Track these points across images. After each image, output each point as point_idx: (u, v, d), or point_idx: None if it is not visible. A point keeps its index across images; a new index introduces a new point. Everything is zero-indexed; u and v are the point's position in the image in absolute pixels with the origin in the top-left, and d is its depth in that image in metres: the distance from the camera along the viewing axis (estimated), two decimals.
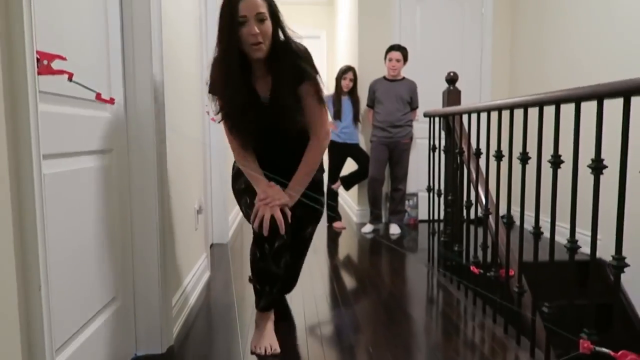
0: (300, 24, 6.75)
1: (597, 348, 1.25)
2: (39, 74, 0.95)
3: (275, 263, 1.76)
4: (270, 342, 1.83)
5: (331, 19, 6.78)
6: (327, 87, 5.94)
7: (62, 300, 1.22)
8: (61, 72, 0.99)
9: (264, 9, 1.63)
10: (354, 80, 4.21)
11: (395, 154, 4.09)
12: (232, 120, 1.78)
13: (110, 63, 1.51)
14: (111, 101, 1.27)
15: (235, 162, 1.94)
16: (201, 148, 2.75)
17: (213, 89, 1.76)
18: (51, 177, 1.14)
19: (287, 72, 1.73)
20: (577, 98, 1.46)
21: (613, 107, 1.35)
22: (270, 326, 1.88)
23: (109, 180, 1.53)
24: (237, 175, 1.97)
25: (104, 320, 1.51)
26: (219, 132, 3.41)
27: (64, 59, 1.02)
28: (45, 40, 1.07)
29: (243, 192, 1.91)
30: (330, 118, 4.38)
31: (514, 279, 2.02)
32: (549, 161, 1.61)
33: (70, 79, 1.00)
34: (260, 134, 1.82)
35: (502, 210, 2.65)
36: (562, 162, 1.59)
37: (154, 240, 1.74)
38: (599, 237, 1.44)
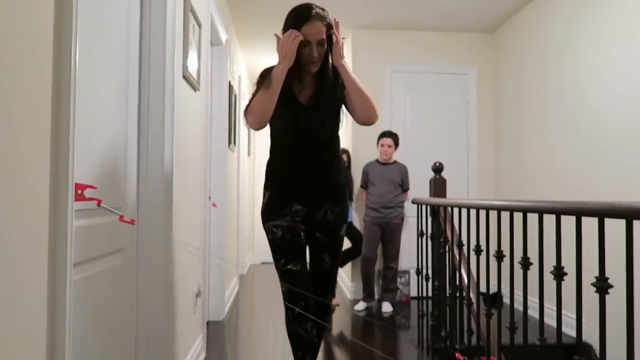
0: None
1: None
2: (75, 200, 1.14)
3: (300, 326, 1.91)
4: None
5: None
6: None
7: None
8: (92, 199, 1.18)
9: (324, 34, 1.82)
10: (348, 162, 4.47)
11: (387, 233, 4.26)
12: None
13: (127, 176, 1.72)
14: (132, 222, 1.45)
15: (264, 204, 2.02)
16: (202, 229, 2.92)
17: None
18: (77, 282, 1.30)
19: (333, 86, 1.94)
20: (540, 210, 1.65)
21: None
22: None
23: (120, 276, 1.68)
24: (268, 213, 2.00)
25: None
26: (218, 215, 3.60)
27: (94, 187, 1.21)
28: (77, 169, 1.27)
29: (275, 248, 1.99)
30: None
31: None
32: (519, 262, 1.79)
33: (99, 205, 1.19)
34: (295, 136, 1.95)
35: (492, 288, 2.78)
36: (531, 263, 1.76)
37: (156, 330, 1.87)
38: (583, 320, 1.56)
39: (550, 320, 1.89)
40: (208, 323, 3.60)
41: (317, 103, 1.92)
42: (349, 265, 4.73)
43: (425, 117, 4.77)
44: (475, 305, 2.33)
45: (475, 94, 4.77)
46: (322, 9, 1.85)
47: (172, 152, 1.93)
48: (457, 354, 2.42)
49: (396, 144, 4.28)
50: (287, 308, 1.93)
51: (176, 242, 2.03)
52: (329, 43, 1.86)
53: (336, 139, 2.04)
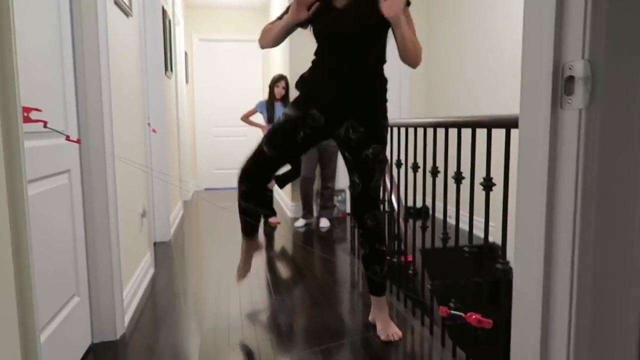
0: (234, 29, 7.01)
1: (452, 311, 1.70)
2: (24, 122, 1.25)
3: (245, 203, 2.08)
4: (244, 266, 2.30)
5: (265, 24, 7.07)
6: (264, 90, 6.23)
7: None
8: (38, 121, 1.28)
9: None
10: (286, 88, 4.58)
11: (325, 156, 4.51)
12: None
13: (66, 99, 1.79)
14: (78, 141, 1.56)
15: None
16: (143, 154, 3.02)
17: None
18: (31, 197, 1.43)
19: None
20: (445, 125, 1.91)
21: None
22: (247, 253, 2.31)
23: (69, 195, 1.81)
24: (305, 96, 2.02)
25: (67, 313, 1.80)
26: (159, 139, 3.68)
27: (40, 110, 1.31)
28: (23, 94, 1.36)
29: (271, 130, 2.03)
30: (264, 123, 4.73)
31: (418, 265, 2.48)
32: (429, 171, 2.07)
33: (45, 126, 1.29)
34: (327, 43, 1.94)
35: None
36: (439, 172, 2.04)
37: (105, 243, 2.04)
38: (492, 224, 1.84)
39: (464, 225, 2.18)
40: (155, 244, 3.78)
41: (351, 6, 1.86)
42: (289, 186, 5.00)
43: None
44: (396, 212, 2.65)
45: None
46: None
47: (109, 76, 2.00)
48: None
49: None
50: (239, 183, 2.04)
51: (118, 159, 2.15)
52: None
53: (377, 59, 1.94)
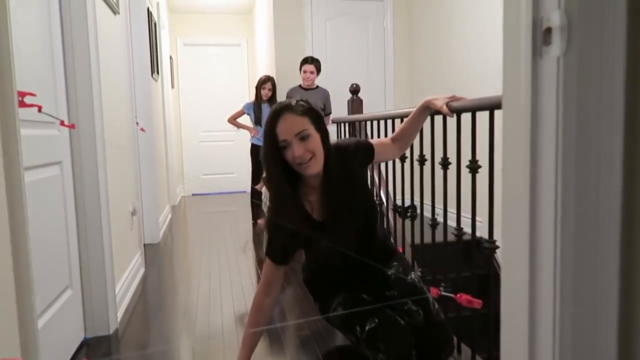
0: (218, 32, 7.04)
1: (443, 292, 1.74)
2: (19, 107, 1.26)
3: None
4: None
5: (251, 27, 7.12)
6: (249, 95, 6.26)
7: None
8: (33, 105, 1.30)
9: (304, 125, 1.45)
10: (273, 89, 4.62)
11: None
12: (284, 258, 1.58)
13: (57, 88, 1.81)
14: (72, 126, 1.57)
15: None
16: (132, 156, 3.02)
17: (271, 231, 1.57)
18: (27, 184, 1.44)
19: (345, 178, 1.57)
20: (431, 113, 1.96)
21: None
22: None
23: (60, 187, 1.82)
24: (325, 297, 1.74)
25: (61, 305, 1.80)
26: (147, 140, 3.68)
27: (34, 95, 1.33)
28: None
29: (346, 322, 1.63)
30: (251, 124, 4.76)
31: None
32: (416, 159, 2.11)
33: (39, 111, 1.30)
34: (329, 263, 1.67)
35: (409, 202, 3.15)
36: (426, 160, 2.09)
37: (97, 237, 2.05)
38: (479, 219, 1.87)
39: (452, 222, 2.13)
40: (145, 246, 3.77)
41: (332, 215, 1.57)
42: None
43: (345, 43, 4.97)
44: (385, 204, 2.69)
45: (390, 18, 5.00)
46: (302, 100, 1.51)
47: (98, 66, 2.02)
48: None
49: (318, 70, 4.46)
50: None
51: (110, 145, 2.15)
52: (322, 128, 1.51)
53: (375, 232, 1.73)
